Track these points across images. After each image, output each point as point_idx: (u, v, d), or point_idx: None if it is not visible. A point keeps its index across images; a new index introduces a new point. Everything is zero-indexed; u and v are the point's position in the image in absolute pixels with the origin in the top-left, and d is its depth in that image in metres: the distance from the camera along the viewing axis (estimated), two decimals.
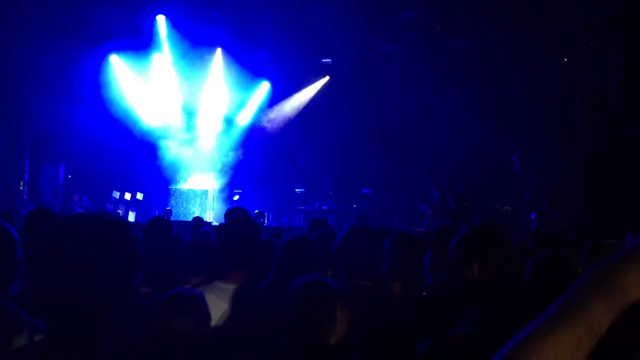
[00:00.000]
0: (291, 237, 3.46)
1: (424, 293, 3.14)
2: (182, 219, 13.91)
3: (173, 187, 15.86)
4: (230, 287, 2.81)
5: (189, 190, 15.72)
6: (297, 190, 16.89)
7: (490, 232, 2.24)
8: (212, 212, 15.33)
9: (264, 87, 17.14)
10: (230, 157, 16.67)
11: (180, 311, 2.05)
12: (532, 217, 12.19)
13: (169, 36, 15.92)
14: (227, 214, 4.58)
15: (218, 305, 2.66)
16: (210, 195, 15.73)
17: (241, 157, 16.66)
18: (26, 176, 15.64)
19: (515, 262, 2.21)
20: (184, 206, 15.44)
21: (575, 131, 13.57)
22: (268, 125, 17.34)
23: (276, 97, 17.39)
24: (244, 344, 2.60)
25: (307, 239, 3.49)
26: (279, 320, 2.44)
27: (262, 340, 2.51)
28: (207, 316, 2.12)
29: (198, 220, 7.81)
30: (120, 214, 14.63)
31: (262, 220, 11.06)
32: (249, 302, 2.80)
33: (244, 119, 17.33)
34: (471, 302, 2.15)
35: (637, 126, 12.09)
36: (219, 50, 16.50)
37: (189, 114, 16.73)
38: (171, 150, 16.20)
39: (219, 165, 16.52)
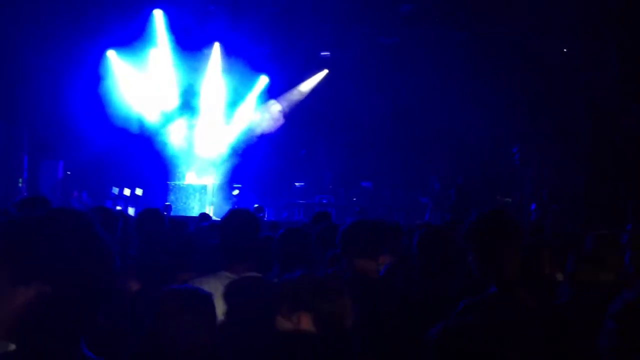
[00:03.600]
0: (284, 232, 3.46)
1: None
2: (182, 214, 13.91)
3: (172, 182, 15.84)
4: (235, 277, 2.86)
5: (188, 185, 15.69)
6: (296, 184, 16.86)
7: (491, 220, 2.24)
8: (211, 207, 15.31)
9: (262, 81, 17.09)
10: (229, 151, 16.65)
11: (185, 309, 2.03)
12: (533, 208, 12.19)
13: (166, 31, 15.87)
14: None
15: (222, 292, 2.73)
16: (209, 190, 15.71)
17: (240, 152, 16.63)
18: (25, 173, 15.62)
19: (516, 249, 2.20)
20: (183, 201, 15.41)
21: (576, 124, 13.56)
22: (267, 120, 17.29)
23: (275, 91, 17.35)
24: (248, 332, 2.60)
25: (301, 231, 3.49)
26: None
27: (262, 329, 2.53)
28: (210, 318, 2.09)
29: (203, 216, 7.83)
30: (120, 209, 14.64)
31: (261, 214, 11.05)
32: (254, 290, 2.81)
33: (243, 113, 17.28)
34: (470, 292, 2.17)
35: (638, 119, 12.08)
36: (216, 45, 16.45)
37: (188, 109, 16.68)
38: (170, 145, 16.17)
39: (218, 160, 16.50)
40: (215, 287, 2.66)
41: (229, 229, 3.03)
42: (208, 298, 2.13)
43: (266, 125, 17.02)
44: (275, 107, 17.31)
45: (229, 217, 3.11)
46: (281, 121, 17.10)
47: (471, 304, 2.12)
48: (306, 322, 1.87)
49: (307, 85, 17.55)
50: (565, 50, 14.18)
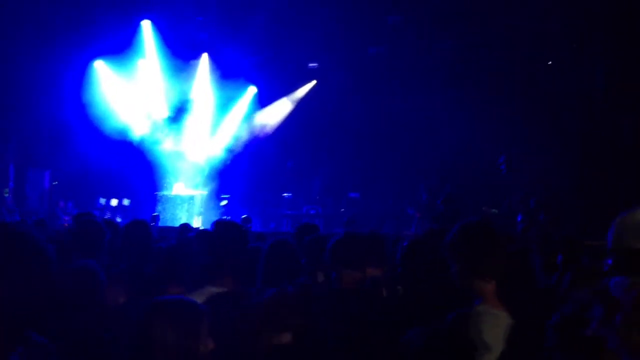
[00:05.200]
0: (272, 243, 3.48)
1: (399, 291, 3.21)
2: (170, 225, 13.84)
3: (160, 193, 15.78)
4: (221, 291, 2.85)
5: (175, 196, 15.64)
6: (284, 195, 16.86)
7: (474, 230, 2.26)
8: (199, 218, 15.26)
9: (250, 92, 17.12)
10: (217, 162, 16.63)
11: (175, 319, 2.02)
12: (519, 219, 12.24)
13: (154, 42, 15.87)
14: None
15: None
16: (197, 201, 15.66)
17: (228, 162, 16.62)
18: (11, 183, 15.50)
19: (498, 261, 2.22)
20: (171, 212, 15.35)
21: (563, 132, 13.68)
22: (255, 130, 17.31)
23: (263, 101, 17.38)
24: (236, 347, 2.60)
25: (288, 243, 3.51)
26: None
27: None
28: (201, 329, 2.08)
29: (185, 226, 7.80)
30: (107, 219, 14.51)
31: (249, 225, 11.02)
32: (240, 305, 2.81)
33: (231, 123, 17.29)
34: (453, 300, 2.20)
35: (625, 127, 12.23)
36: (205, 56, 16.47)
37: (176, 119, 16.65)
38: (158, 155, 16.12)
39: (206, 171, 16.47)
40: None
41: (220, 243, 3.02)
42: (199, 309, 2.12)
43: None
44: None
45: (219, 231, 3.11)
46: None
47: (458, 316, 2.14)
48: (286, 338, 1.86)
49: (295, 96, 17.60)
50: (552, 59, 14.34)
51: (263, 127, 17.44)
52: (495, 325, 2.11)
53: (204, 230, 4.63)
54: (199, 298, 2.72)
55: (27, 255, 1.43)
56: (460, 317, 2.14)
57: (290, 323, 1.93)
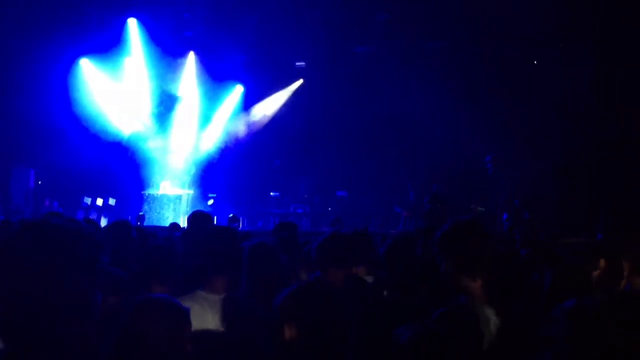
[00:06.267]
0: (251, 246, 3.44)
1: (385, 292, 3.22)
2: (156, 225, 13.77)
3: (146, 192, 15.69)
4: (211, 296, 2.81)
5: (162, 195, 15.55)
6: (272, 193, 16.82)
7: (465, 229, 2.28)
8: (186, 217, 15.16)
9: (237, 91, 17.07)
10: (203, 161, 16.56)
11: (160, 319, 2.01)
12: (504, 217, 12.32)
13: (140, 39, 15.78)
14: (191, 218, 4.59)
15: (201, 314, 2.67)
16: (184, 200, 15.58)
17: (215, 161, 16.55)
18: None
19: (486, 259, 2.24)
20: (157, 211, 15.27)
21: (549, 132, 13.78)
22: (242, 129, 17.26)
23: (250, 100, 17.34)
24: (228, 352, 2.59)
25: (266, 244, 3.48)
26: (263, 328, 2.45)
27: (246, 349, 2.53)
28: (185, 331, 2.06)
29: (175, 226, 7.77)
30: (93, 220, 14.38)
31: (236, 224, 11.00)
32: (232, 310, 2.79)
33: (218, 122, 17.23)
34: (438, 300, 2.22)
35: (610, 127, 12.33)
36: (191, 54, 16.40)
37: (162, 117, 16.57)
38: (144, 155, 16.02)
39: (193, 170, 16.40)
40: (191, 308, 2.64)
41: (209, 247, 2.97)
42: (184, 310, 2.11)
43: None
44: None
45: (211, 235, 3.07)
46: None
47: (443, 314, 2.16)
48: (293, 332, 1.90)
49: (283, 95, 17.58)
50: (538, 60, 14.43)
51: (250, 125, 17.40)
52: (480, 321, 2.13)
53: (192, 231, 4.60)
54: (189, 302, 2.70)
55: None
56: (446, 313, 2.16)
57: (300, 315, 1.97)
